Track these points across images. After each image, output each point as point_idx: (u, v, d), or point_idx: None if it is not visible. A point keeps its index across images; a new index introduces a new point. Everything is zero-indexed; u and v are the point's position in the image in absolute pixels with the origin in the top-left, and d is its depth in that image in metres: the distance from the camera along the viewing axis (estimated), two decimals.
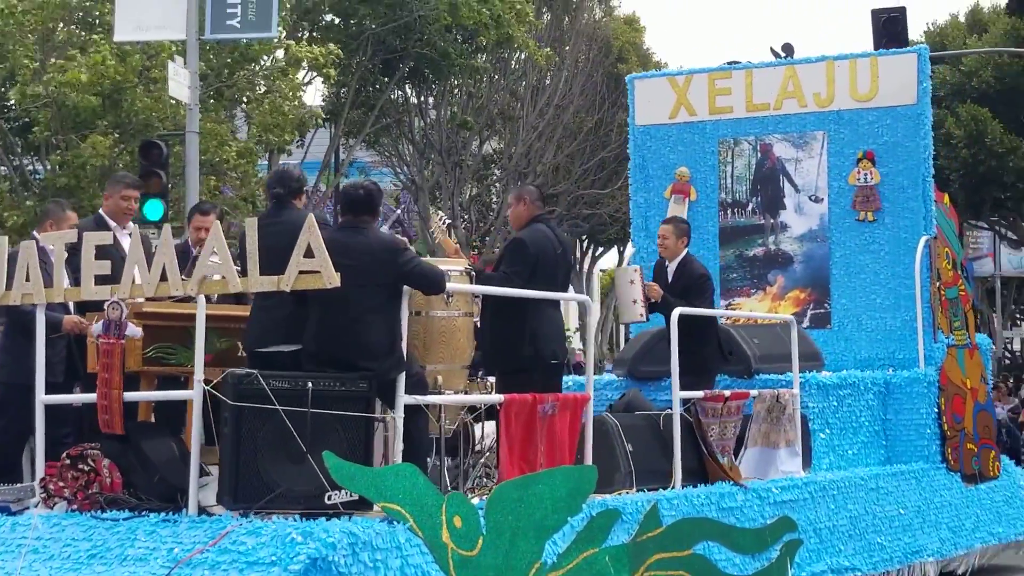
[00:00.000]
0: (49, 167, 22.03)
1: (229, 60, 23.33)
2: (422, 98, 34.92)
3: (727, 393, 10.60)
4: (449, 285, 8.04)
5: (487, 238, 35.31)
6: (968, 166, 36.04)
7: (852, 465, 12.28)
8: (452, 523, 7.57)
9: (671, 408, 10.18)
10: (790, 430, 11.23)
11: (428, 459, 8.72)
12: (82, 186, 20.84)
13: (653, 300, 11.05)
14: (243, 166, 22.44)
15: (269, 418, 7.30)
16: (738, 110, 14.23)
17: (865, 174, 13.66)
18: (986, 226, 44.00)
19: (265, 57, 24.12)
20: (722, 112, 14.28)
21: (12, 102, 22.46)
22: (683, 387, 10.91)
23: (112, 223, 9.35)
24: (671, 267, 11.49)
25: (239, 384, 7.29)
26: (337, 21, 29.63)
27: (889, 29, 19.74)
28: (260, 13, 20.97)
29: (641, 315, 11.07)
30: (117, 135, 21.52)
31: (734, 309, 14.05)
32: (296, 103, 24.17)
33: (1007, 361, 47.22)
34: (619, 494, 9.33)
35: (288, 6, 24.13)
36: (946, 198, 14.19)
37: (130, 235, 9.06)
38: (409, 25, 29.09)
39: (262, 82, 24.28)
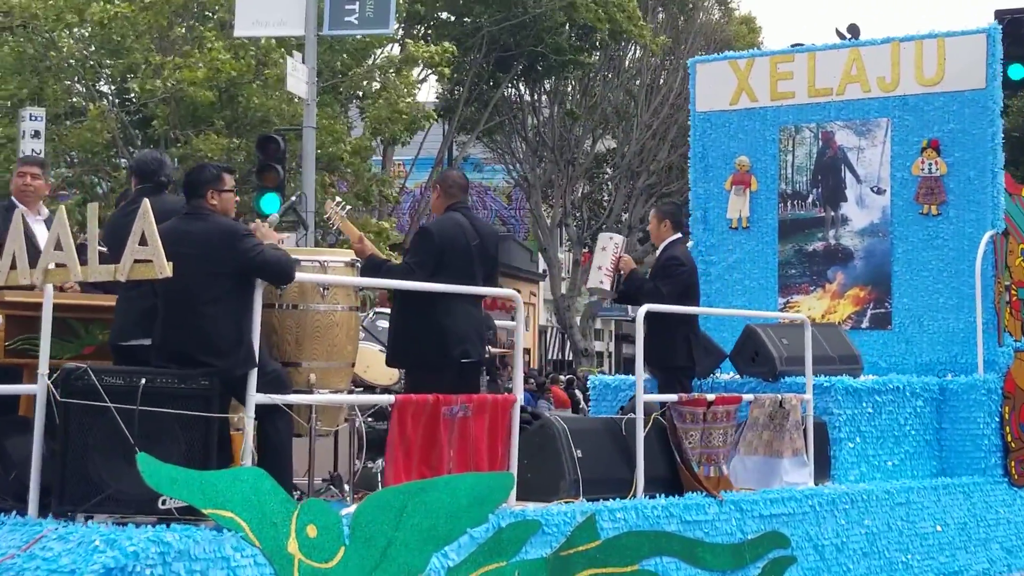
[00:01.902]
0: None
1: (344, 55, 23.22)
2: (535, 96, 34.51)
3: (710, 397, 9.85)
4: (316, 276, 7.53)
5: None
6: None
7: (892, 477, 11.41)
8: (304, 532, 7.05)
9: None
10: (797, 438, 10.44)
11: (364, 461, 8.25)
12: None
13: (621, 272, 10.41)
14: (356, 164, 22.26)
15: (102, 416, 6.89)
16: (800, 95, 13.41)
17: (930, 164, 12.71)
18: None
19: (379, 51, 23.96)
20: (784, 98, 13.48)
21: (132, 95, 22.65)
22: (659, 386, 10.33)
23: (20, 206, 8.98)
24: (658, 252, 10.81)
25: (67, 379, 6.91)
26: (452, 19, 29.44)
27: (1013, 30, 18.58)
28: (378, 9, 20.90)
29: (601, 282, 10.45)
30: (233, 130, 21.53)
31: (792, 307, 13.24)
32: (411, 100, 23.96)
33: None
34: (562, 503, 8.68)
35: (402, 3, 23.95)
36: None
37: (46, 221, 8.83)
38: (524, 23, 28.74)
39: (377, 77, 24.12)
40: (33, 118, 20.02)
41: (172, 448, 6.93)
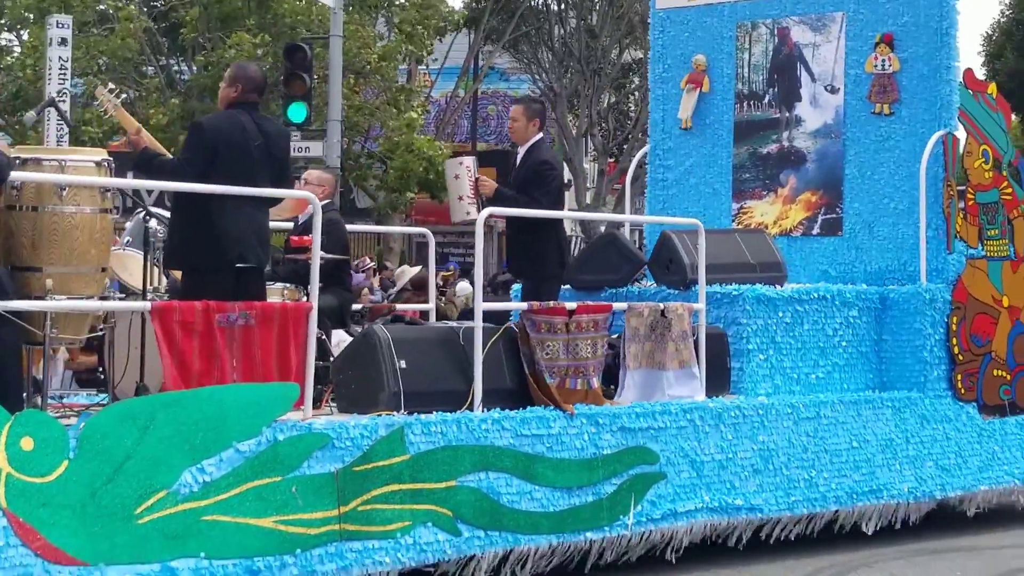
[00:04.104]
0: (195, 68, 22.08)
1: None
2: (562, 5, 33.74)
3: (572, 305, 9.37)
4: (43, 176, 7.18)
5: (624, 147, 33.90)
6: None
7: (816, 391, 10.81)
8: (17, 445, 6.82)
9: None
10: (684, 349, 9.92)
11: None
12: None
13: (485, 196, 9.89)
14: (384, 68, 21.94)
15: None
16: None
17: (883, 60, 11.96)
18: None
19: None
20: None
21: (161, 1, 22.59)
22: (523, 294, 9.93)
23: None
24: (519, 153, 10.28)
25: None
26: None
27: None
28: None
29: (468, 213, 9.92)
30: (263, 39, 21.35)
31: (745, 212, 12.63)
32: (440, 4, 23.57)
33: None
34: (364, 417, 8.30)
35: None
36: (992, 87, 12.29)
37: None
38: None
39: None
40: (60, 25, 19.96)
41: None
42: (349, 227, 10.79)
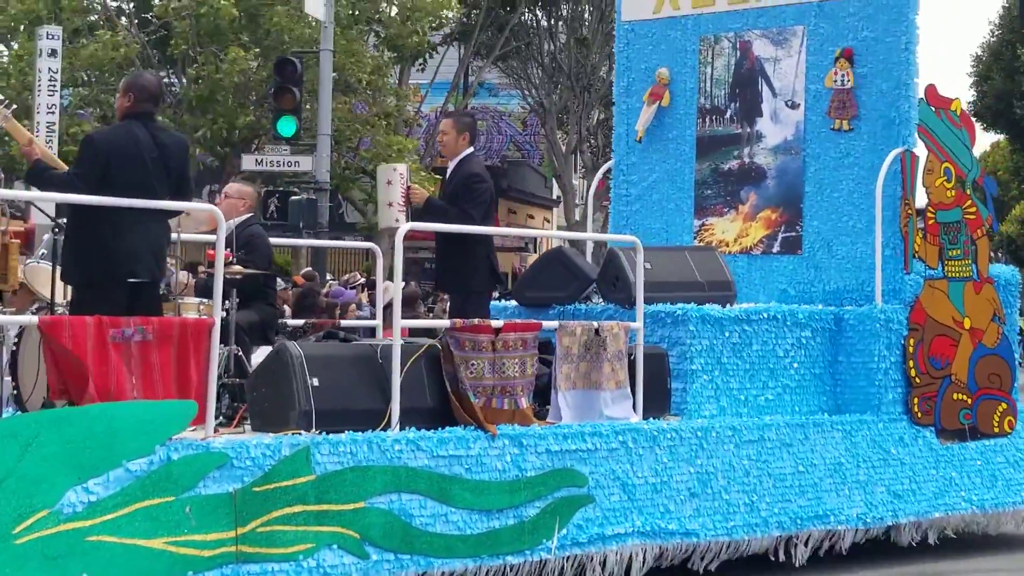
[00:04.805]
0: (185, 81, 21.97)
1: None
2: (552, 21, 33.60)
3: (498, 323, 9.15)
4: None
5: None
6: None
7: (765, 413, 10.57)
8: None
9: None
10: (620, 369, 9.69)
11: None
12: (217, 99, 20.63)
13: (416, 204, 9.70)
14: (375, 81, 21.82)
15: None
16: (720, 3, 12.50)
17: (842, 75, 11.73)
18: None
19: None
20: (704, 5, 12.57)
21: (151, 14, 22.47)
22: (450, 310, 9.73)
23: None
24: (450, 167, 10.10)
25: None
26: None
27: None
28: None
29: (396, 220, 9.73)
30: (254, 54, 21.26)
31: (707, 230, 12.41)
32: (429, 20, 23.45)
33: None
34: (284, 435, 8.11)
35: None
36: (956, 104, 12.03)
37: None
38: None
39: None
40: (50, 36, 19.93)
41: None
42: (309, 242, 10.60)
